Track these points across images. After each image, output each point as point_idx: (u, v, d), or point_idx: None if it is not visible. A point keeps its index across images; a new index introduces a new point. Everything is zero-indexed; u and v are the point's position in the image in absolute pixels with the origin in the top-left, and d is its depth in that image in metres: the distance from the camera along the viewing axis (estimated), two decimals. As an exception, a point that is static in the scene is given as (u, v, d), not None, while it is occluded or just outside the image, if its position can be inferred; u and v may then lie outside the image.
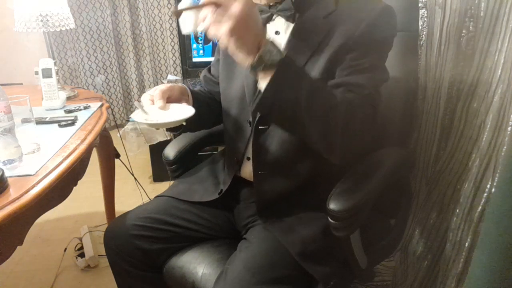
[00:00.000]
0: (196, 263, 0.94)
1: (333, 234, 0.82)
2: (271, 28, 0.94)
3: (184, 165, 1.18)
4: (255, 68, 0.71)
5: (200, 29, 0.69)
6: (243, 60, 0.71)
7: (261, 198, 0.93)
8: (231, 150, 1.03)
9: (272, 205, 0.92)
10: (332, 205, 0.79)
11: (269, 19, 0.93)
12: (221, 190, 1.02)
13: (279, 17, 0.91)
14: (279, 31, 0.92)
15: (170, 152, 1.17)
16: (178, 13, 0.70)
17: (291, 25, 0.90)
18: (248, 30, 0.68)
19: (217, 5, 0.67)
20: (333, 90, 0.79)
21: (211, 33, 0.68)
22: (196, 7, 0.70)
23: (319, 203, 0.87)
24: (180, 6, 0.72)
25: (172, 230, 0.98)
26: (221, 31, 0.66)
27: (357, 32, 0.82)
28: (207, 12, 0.68)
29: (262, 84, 0.72)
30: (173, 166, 1.17)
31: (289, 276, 0.83)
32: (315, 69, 0.84)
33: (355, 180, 0.85)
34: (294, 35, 0.89)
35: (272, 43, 0.70)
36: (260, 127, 0.91)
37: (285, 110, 0.74)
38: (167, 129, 0.92)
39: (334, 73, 0.83)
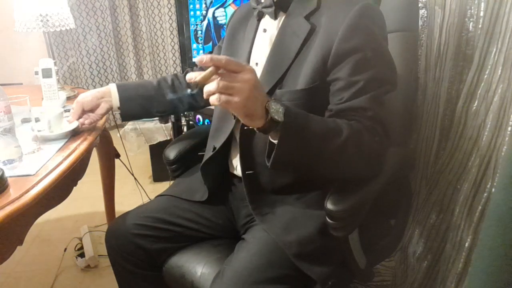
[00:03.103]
0: (195, 263, 0.94)
1: (330, 234, 0.82)
2: (261, 25, 0.94)
3: (184, 165, 1.18)
4: (268, 130, 0.70)
5: (206, 96, 0.65)
6: (254, 124, 0.70)
7: (253, 198, 0.91)
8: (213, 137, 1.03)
9: (266, 204, 0.91)
10: (330, 205, 0.79)
11: (261, 16, 0.94)
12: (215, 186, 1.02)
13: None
14: (267, 28, 0.93)
15: (171, 152, 1.17)
16: (199, 82, 0.64)
17: (275, 23, 0.90)
18: (257, 100, 0.67)
19: (218, 69, 0.64)
20: (336, 119, 0.77)
21: (218, 103, 0.64)
22: (209, 73, 0.64)
23: (315, 202, 0.87)
24: None
25: (173, 229, 0.98)
26: (232, 104, 0.64)
27: (337, 38, 0.79)
28: (214, 78, 0.64)
29: (274, 141, 0.72)
30: (174, 166, 1.17)
31: (286, 275, 0.83)
32: (301, 77, 0.83)
33: (354, 180, 0.85)
34: (278, 35, 0.89)
35: (274, 102, 0.69)
36: (245, 128, 0.89)
37: (298, 161, 0.76)
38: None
39: (319, 84, 0.81)
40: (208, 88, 0.64)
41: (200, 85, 0.64)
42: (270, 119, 0.68)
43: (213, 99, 0.64)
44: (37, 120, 1.13)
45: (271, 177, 0.91)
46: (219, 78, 0.63)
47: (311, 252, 0.85)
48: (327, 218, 0.80)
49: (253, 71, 0.67)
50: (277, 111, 0.69)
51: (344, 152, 0.75)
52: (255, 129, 0.71)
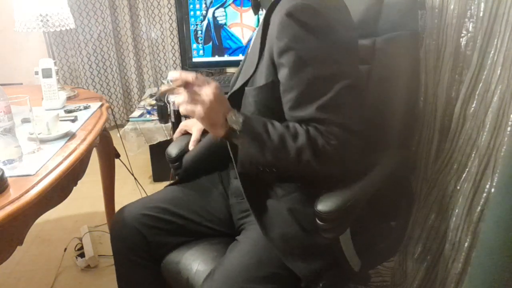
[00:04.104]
0: (192, 260, 0.96)
1: (317, 233, 0.82)
2: None
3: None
4: (229, 138, 0.79)
5: (176, 106, 0.80)
6: (216, 133, 0.79)
7: (248, 194, 0.91)
8: None
9: (259, 201, 0.91)
10: (320, 206, 0.79)
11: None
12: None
13: None
14: (260, 23, 0.95)
15: (173, 149, 1.18)
16: (163, 94, 0.81)
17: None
18: (218, 111, 0.76)
19: (187, 85, 0.75)
20: (296, 125, 0.79)
21: (185, 112, 0.76)
22: (173, 89, 0.76)
23: (302, 200, 0.88)
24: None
25: (176, 221, 1.01)
26: (196, 113, 0.75)
27: (274, 37, 0.79)
28: (182, 91, 0.76)
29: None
30: (176, 164, 1.18)
31: (276, 274, 0.84)
32: (261, 74, 0.84)
33: (345, 181, 0.85)
34: (258, 31, 0.91)
35: (235, 113, 0.78)
36: None
37: (258, 164, 0.83)
38: None
39: (272, 81, 0.83)
40: (177, 99, 0.76)
41: (165, 97, 0.79)
42: (230, 128, 0.77)
43: (181, 109, 0.75)
44: (24, 121, 1.14)
45: (259, 174, 0.92)
46: (186, 91, 0.75)
47: (295, 247, 0.85)
48: (317, 220, 0.80)
49: (217, 87, 0.76)
50: (236, 121, 0.77)
51: (300, 157, 0.77)
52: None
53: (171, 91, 0.76)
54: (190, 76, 0.74)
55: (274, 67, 0.82)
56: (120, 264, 1.03)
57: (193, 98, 0.74)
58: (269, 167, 0.83)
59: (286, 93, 0.80)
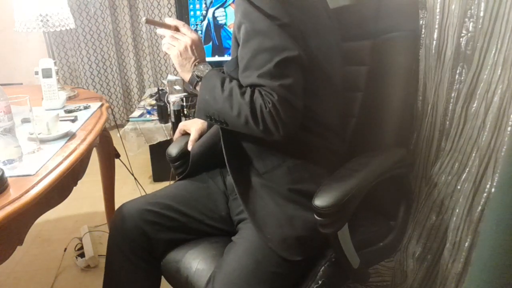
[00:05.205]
0: (191, 258, 0.96)
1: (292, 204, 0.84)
2: None
3: (187, 162, 1.19)
4: (192, 82, 0.95)
5: (162, 45, 1.00)
6: (183, 75, 0.97)
7: (239, 189, 0.93)
8: None
9: (251, 196, 0.92)
10: (318, 202, 0.80)
11: None
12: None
13: None
14: None
15: (173, 150, 1.19)
16: (149, 22, 0.97)
17: None
18: (190, 56, 0.95)
19: (177, 29, 0.98)
20: (248, 87, 0.85)
21: (164, 49, 0.98)
22: (164, 25, 0.98)
23: (282, 178, 0.91)
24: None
25: (179, 218, 1.01)
26: (172, 51, 0.96)
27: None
28: (169, 32, 0.97)
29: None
30: (177, 163, 1.19)
31: (275, 274, 0.84)
32: (232, 53, 0.95)
33: (341, 177, 0.86)
34: None
35: (205, 64, 0.96)
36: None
37: (210, 112, 0.89)
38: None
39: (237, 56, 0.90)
40: (164, 40, 0.98)
41: (148, 23, 0.98)
42: (193, 74, 0.94)
43: (164, 46, 0.98)
44: (24, 121, 1.14)
45: (244, 163, 0.95)
46: (172, 32, 0.96)
47: (268, 219, 0.88)
48: (315, 216, 0.81)
49: (198, 37, 0.96)
50: (202, 71, 0.94)
51: (240, 112, 0.83)
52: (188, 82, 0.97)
53: (159, 24, 0.98)
54: (180, 23, 0.97)
55: (237, 43, 0.89)
56: (113, 262, 1.02)
57: (174, 38, 0.95)
58: (220, 117, 0.87)
59: (239, 63, 0.87)
